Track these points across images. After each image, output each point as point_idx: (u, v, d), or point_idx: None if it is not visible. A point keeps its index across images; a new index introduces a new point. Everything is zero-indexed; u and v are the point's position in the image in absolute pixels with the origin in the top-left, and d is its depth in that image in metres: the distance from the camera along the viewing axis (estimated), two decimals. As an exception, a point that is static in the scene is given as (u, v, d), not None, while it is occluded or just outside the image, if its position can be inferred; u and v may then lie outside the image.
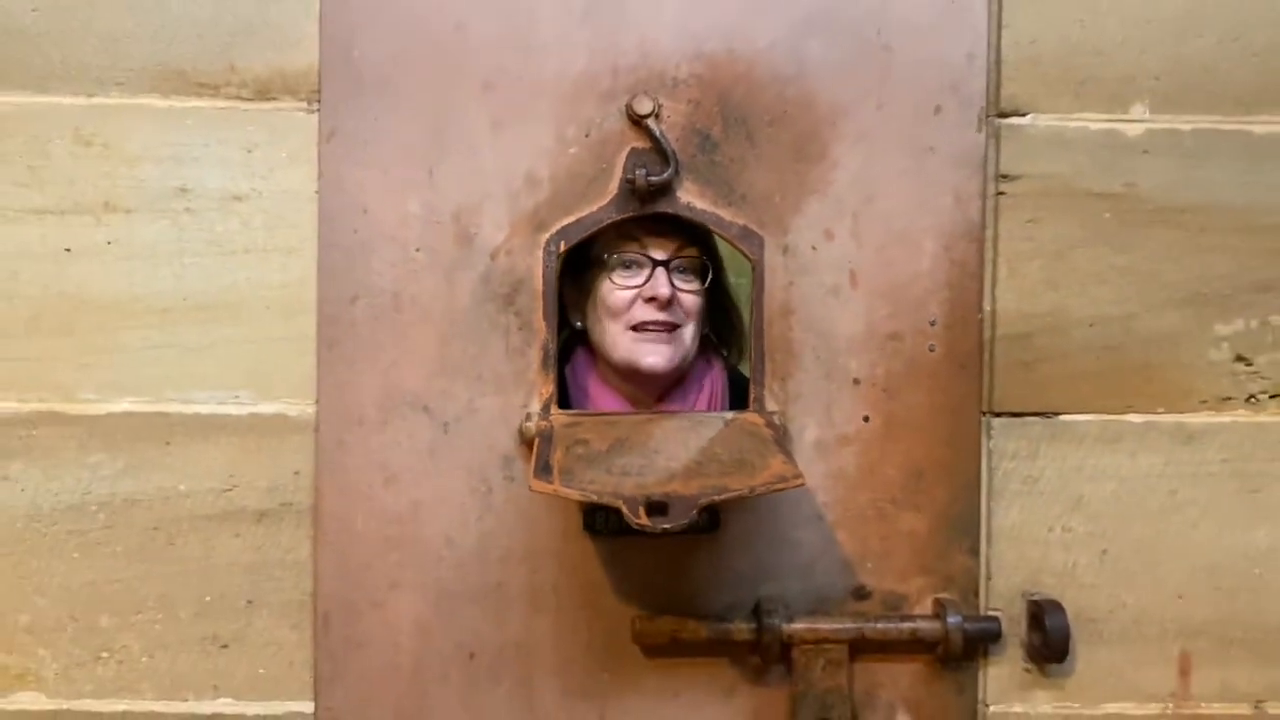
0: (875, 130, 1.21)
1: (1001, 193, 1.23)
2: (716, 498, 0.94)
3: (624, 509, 0.91)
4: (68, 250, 1.20)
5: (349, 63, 1.19)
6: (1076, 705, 1.25)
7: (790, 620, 1.18)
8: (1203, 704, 1.25)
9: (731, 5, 1.20)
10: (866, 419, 1.22)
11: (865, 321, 1.21)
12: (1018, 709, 1.24)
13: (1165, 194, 1.23)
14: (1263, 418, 1.24)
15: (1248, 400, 1.24)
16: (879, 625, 1.19)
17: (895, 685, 1.22)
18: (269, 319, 1.20)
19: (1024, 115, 1.23)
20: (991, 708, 1.24)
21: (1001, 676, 1.24)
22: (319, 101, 1.20)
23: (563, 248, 1.20)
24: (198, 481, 1.21)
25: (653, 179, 1.17)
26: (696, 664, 1.21)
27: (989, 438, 1.23)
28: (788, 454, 1.06)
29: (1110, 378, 1.24)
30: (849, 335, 1.21)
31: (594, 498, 0.94)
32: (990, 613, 1.22)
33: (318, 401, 1.20)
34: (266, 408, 1.21)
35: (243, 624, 1.22)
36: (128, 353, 1.20)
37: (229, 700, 1.22)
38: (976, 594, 1.23)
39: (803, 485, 0.98)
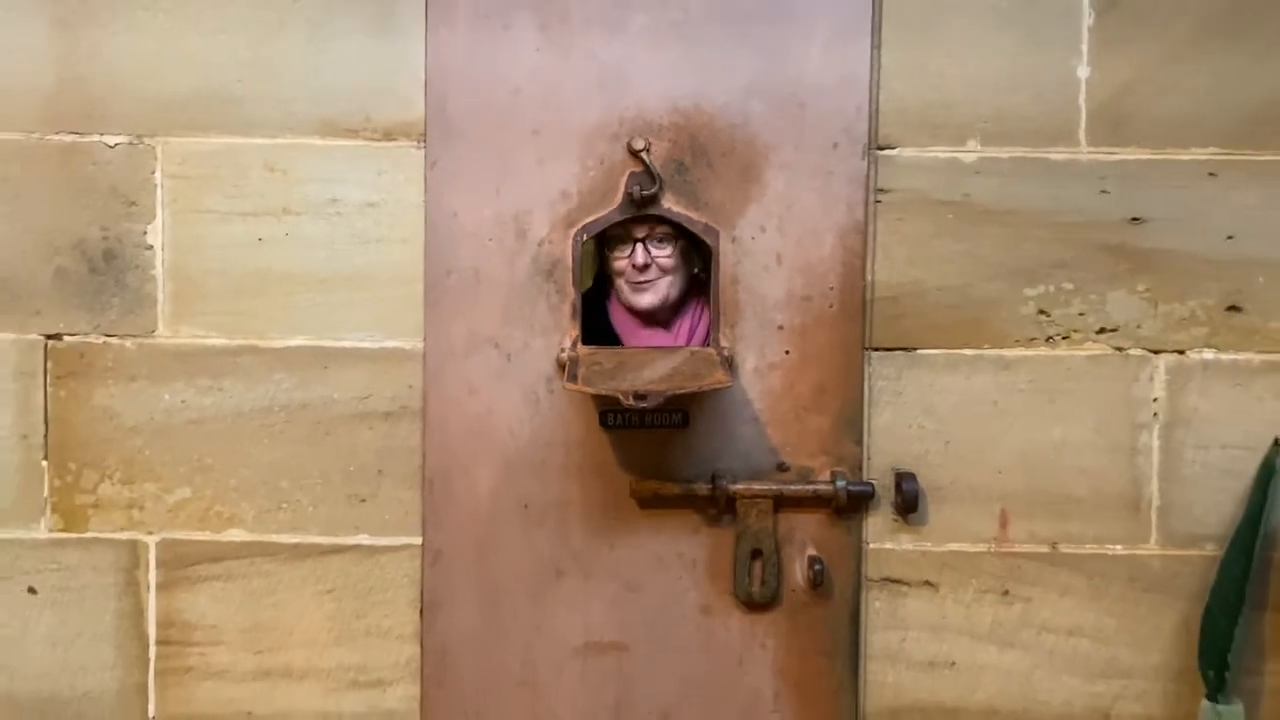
0: (794, 161, 1.80)
1: (879, 201, 1.82)
2: (678, 390, 1.55)
3: (620, 397, 1.52)
4: (260, 240, 1.82)
5: (444, 116, 1.80)
6: (928, 544, 1.85)
7: (735, 483, 1.79)
8: (1015, 545, 1.85)
9: (698, 78, 1.80)
10: (787, 352, 1.82)
11: (787, 288, 1.82)
12: (888, 546, 1.85)
13: (990, 202, 1.82)
14: (1057, 352, 1.84)
15: (1046, 340, 1.84)
16: (793, 487, 1.80)
17: (805, 528, 1.84)
18: (392, 285, 1.82)
19: (894, 149, 1.82)
20: (871, 545, 1.85)
21: (877, 524, 1.85)
22: (425, 142, 1.81)
23: (585, 238, 1.81)
24: (345, 392, 1.83)
25: (645, 192, 1.78)
26: (673, 513, 1.83)
27: (869, 365, 1.83)
28: (726, 370, 1.66)
29: (952, 326, 1.83)
30: (776, 297, 1.82)
31: (604, 391, 1.55)
32: (869, 481, 1.83)
33: (425, 340, 1.82)
34: (390, 344, 1.83)
35: (375, 487, 1.85)
36: (299, 308, 1.83)
37: (366, 536, 1.85)
38: (860, 469, 1.83)
39: (729, 386, 1.60)
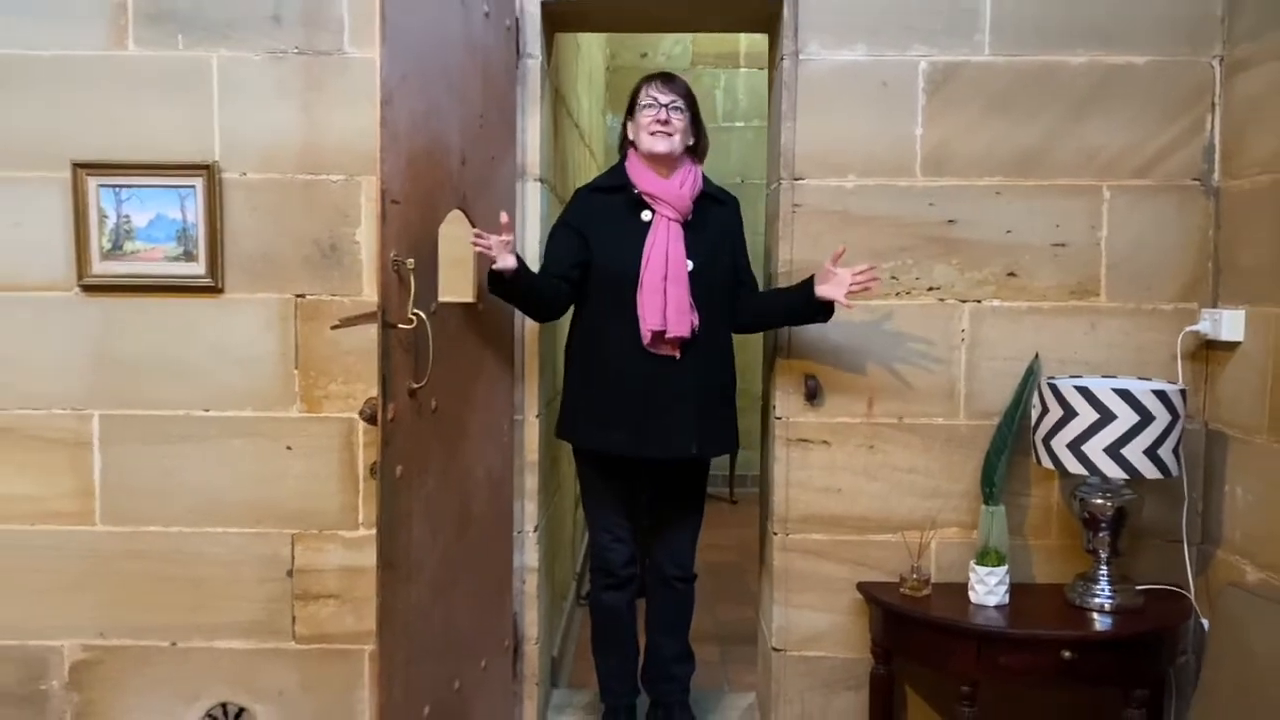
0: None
1: (795, 211, 3.02)
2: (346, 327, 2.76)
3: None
4: (423, 237, 3.05)
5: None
6: (825, 418, 3.06)
7: (708, 381, 3.02)
8: (877, 418, 3.05)
9: (685, 137, 3.01)
10: (739, 303, 3.04)
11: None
12: (800, 420, 3.06)
13: (861, 211, 3.00)
14: (903, 302, 3.02)
15: (896, 295, 3.03)
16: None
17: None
18: (503, 264, 3.04)
19: (804, 179, 3.01)
20: (791, 419, 3.07)
21: (791, 406, 3.07)
22: (543, 181, 3.02)
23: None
24: (475, 328, 3.06)
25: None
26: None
27: (789, 310, 3.04)
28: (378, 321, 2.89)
29: (839, 286, 3.04)
30: (732, 269, 3.03)
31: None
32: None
33: (522, 296, 3.04)
34: (502, 299, 3.06)
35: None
36: (448, 278, 3.05)
37: (488, 414, 3.09)
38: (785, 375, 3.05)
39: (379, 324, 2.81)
